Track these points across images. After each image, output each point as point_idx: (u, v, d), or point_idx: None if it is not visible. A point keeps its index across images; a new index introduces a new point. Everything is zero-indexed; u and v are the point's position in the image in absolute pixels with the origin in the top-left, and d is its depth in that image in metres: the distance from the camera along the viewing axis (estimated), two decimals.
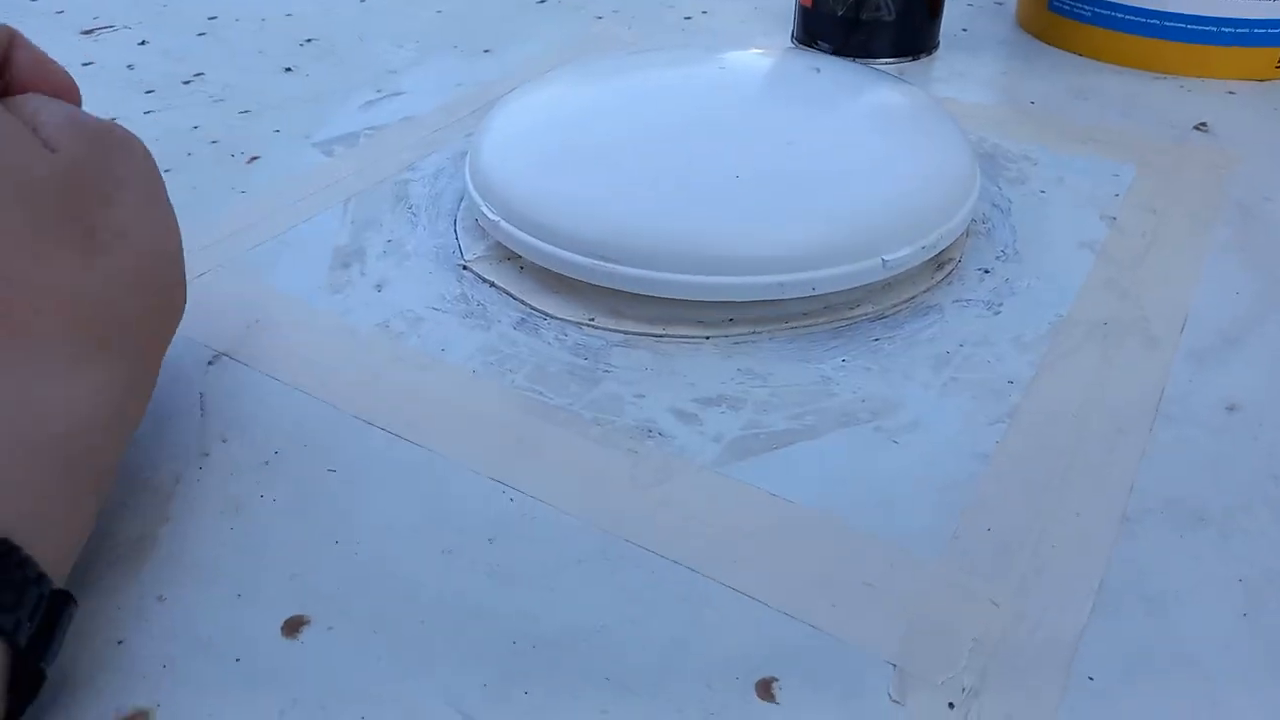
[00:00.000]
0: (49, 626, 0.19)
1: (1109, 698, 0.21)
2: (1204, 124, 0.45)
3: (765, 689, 0.21)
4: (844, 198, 0.33)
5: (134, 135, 0.27)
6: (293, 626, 0.23)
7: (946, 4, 0.53)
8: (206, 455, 0.27)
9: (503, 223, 0.34)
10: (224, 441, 0.28)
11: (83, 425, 0.22)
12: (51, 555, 0.20)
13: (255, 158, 0.43)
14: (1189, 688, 0.21)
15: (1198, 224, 0.38)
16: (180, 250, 0.27)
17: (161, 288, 0.26)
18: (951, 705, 0.21)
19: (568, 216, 0.32)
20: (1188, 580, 0.24)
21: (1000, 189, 0.40)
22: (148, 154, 0.27)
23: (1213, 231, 0.37)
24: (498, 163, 0.35)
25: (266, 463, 0.27)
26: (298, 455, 0.27)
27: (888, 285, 0.34)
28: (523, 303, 0.34)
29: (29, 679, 0.19)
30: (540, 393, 0.30)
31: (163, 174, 0.27)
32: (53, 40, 0.57)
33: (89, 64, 0.54)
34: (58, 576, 0.20)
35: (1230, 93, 0.48)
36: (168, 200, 0.27)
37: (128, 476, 0.26)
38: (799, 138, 0.35)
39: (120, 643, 0.22)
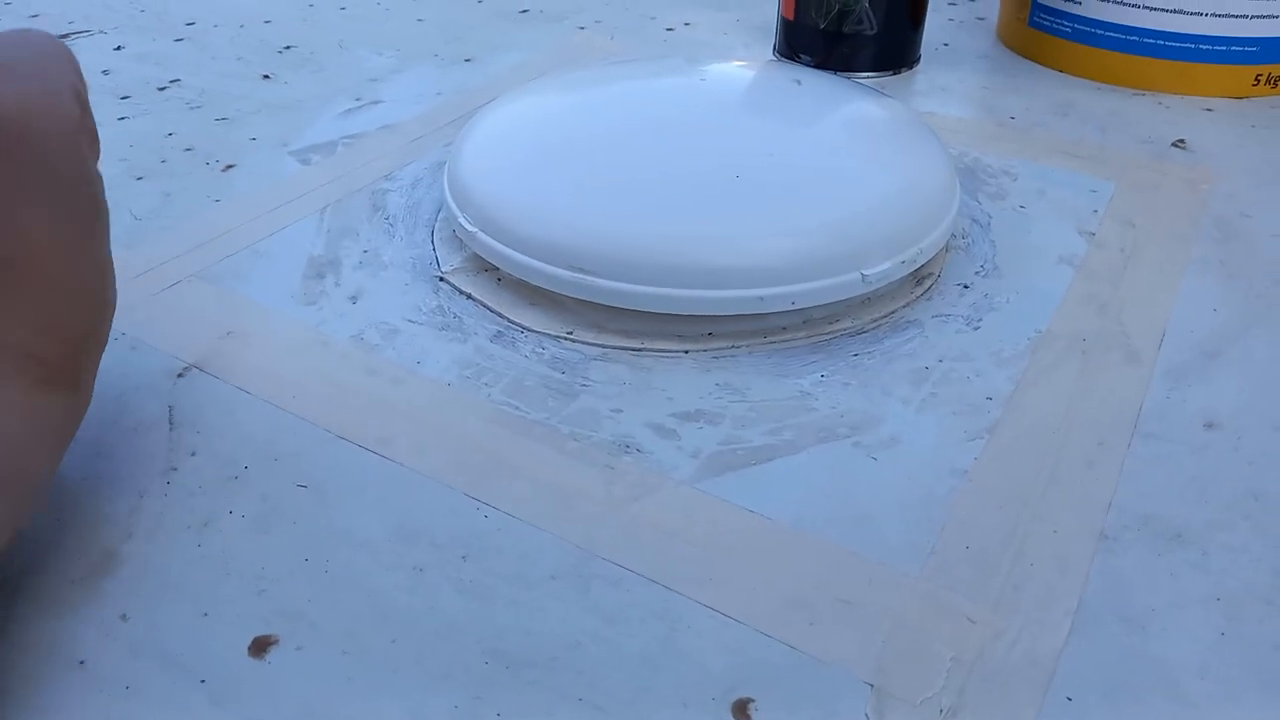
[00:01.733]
0: None
1: (1087, 718, 0.21)
2: (1182, 141, 0.45)
3: (742, 710, 0.21)
4: (824, 212, 0.32)
5: (31, 106, 0.22)
6: (260, 646, 0.22)
7: (928, 18, 0.54)
8: (174, 469, 0.27)
9: (480, 234, 0.34)
10: (193, 455, 0.27)
11: (16, 442, 0.21)
12: None
13: (231, 165, 0.43)
14: (1167, 709, 0.21)
15: (1176, 240, 0.38)
16: (100, 264, 0.24)
17: (79, 315, 0.23)
18: None
19: (546, 228, 0.32)
20: (1166, 598, 0.23)
21: (980, 204, 0.40)
22: (54, 136, 0.22)
23: (1191, 247, 0.37)
24: (476, 173, 0.35)
25: (236, 477, 0.27)
26: (268, 470, 0.27)
27: (867, 300, 0.34)
28: (500, 315, 0.33)
29: None
30: (517, 407, 0.29)
31: (105, 170, 0.25)
32: None
33: None
34: None
35: (1208, 110, 0.49)
36: (89, 196, 0.23)
37: (91, 490, 0.26)
38: (779, 150, 0.35)
39: (82, 663, 0.22)
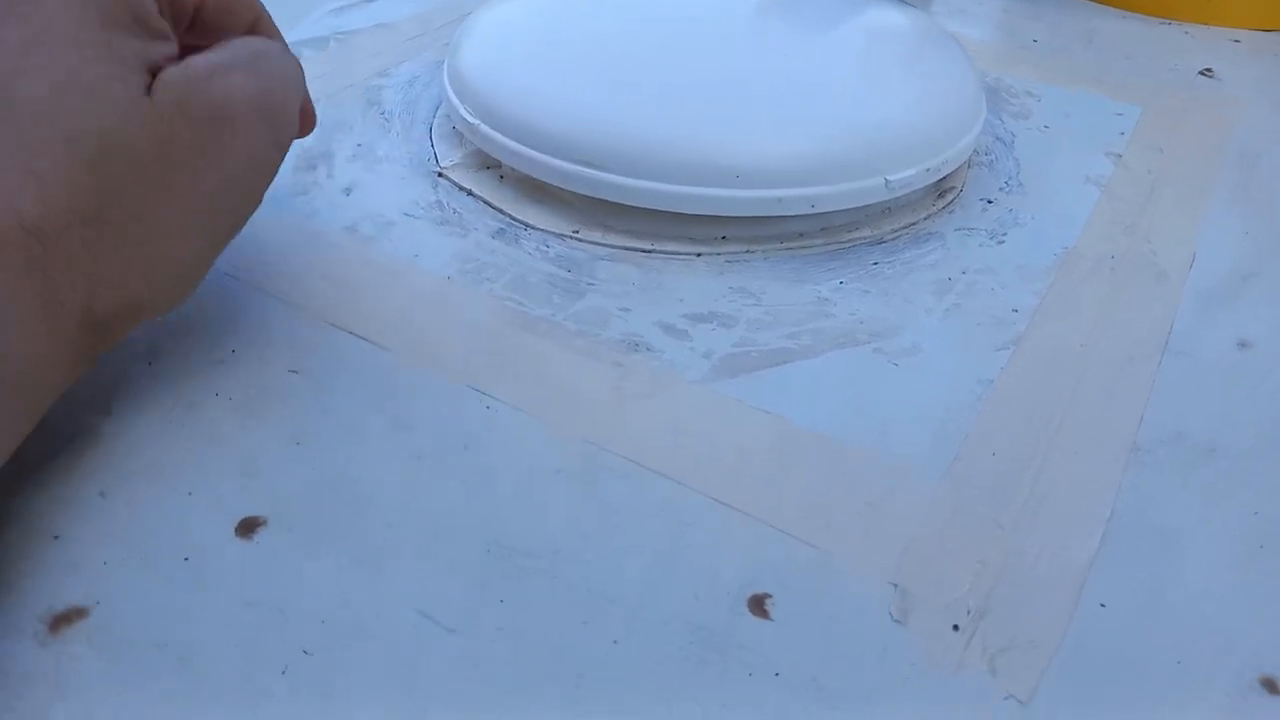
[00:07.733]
0: None
1: (1120, 625, 0.20)
2: (1209, 70, 0.44)
3: (758, 605, 0.20)
4: (848, 113, 0.31)
5: (259, 133, 0.23)
6: (248, 527, 0.21)
7: None
8: (156, 351, 0.25)
9: (482, 125, 0.32)
10: (175, 338, 0.26)
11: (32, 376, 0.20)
12: None
13: None
14: (1201, 622, 0.20)
15: (1204, 164, 0.36)
16: (205, 258, 0.24)
17: (157, 285, 0.22)
18: (956, 627, 0.19)
19: (552, 119, 0.30)
20: (1198, 513, 0.22)
21: (1003, 122, 0.39)
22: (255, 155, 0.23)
23: (1220, 172, 0.36)
24: (478, 62, 0.33)
25: (222, 361, 0.25)
26: (257, 355, 0.25)
27: (887, 210, 0.32)
28: (502, 212, 0.32)
29: None
30: (520, 302, 0.28)
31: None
32: None
33: None
34: None
35: (1235, 41, 0.47)
36: (234, 214, 0.24)
37: None
38: (801, 50, 0.33)
39: (56, 538, 0.20)
